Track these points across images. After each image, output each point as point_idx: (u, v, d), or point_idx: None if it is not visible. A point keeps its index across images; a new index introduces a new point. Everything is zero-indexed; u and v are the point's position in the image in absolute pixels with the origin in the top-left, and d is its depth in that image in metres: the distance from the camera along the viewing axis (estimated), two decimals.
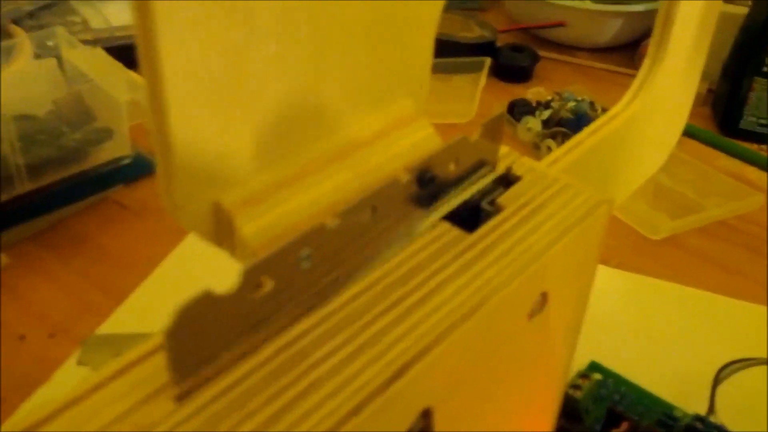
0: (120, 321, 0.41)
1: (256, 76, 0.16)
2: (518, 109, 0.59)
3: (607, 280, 0.46)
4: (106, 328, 0.40)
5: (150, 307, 0.42)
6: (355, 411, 0.16)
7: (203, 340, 0.16)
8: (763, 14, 0.59)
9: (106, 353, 0.31)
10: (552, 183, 0.23)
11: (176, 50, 0.14)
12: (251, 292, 0.16)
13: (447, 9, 0.21)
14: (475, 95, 0.62)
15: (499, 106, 0.60)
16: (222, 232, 0.18)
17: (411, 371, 0.17)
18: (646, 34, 0.73)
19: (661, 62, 0.34)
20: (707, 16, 0.36)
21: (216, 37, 0.15)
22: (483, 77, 0.64)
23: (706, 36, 0.38)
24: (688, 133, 0.57)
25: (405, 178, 0.19)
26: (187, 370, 0.16)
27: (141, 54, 0.15)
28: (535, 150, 0.56)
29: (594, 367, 0.37)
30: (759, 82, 0.60)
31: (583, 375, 0.35)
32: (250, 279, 0.16)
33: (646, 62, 0.35)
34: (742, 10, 0.62)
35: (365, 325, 0.18)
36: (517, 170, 0.23)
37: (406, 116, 0.20)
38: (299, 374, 0.16)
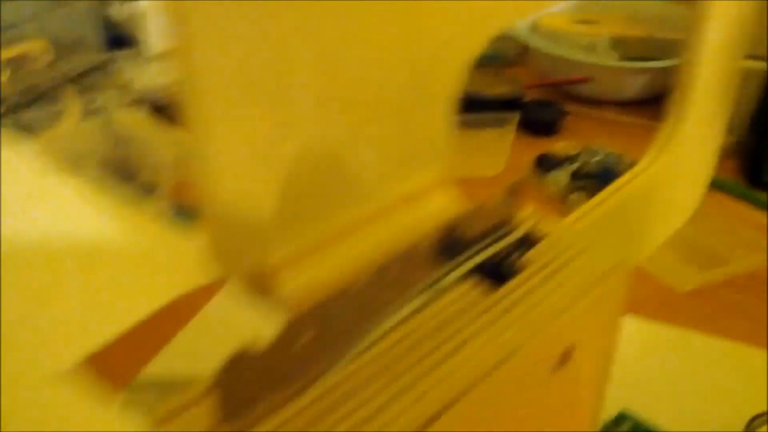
0: (164, 364, 0.42)
1: (297, 143, 0.18)
2: (546, 163, 0.61)
3: (636, 330, 0.46)
4: (150, 371, 0.41)
5: (193, 351, 0.43)
6: None
7: (247, 388, 0.17)
8: None
9: (152, 396, 0.32)
10: (575, 241, 0.24)
11: (224, 117, 0.16)
12: (290, 344, 0.18)
13: (474, 65, 0.22)
14: (503, 149, 0.64)
15: (526, 166, 0.62)
16: (261, 287, 0.19)
17: (439, 421, 0.18)
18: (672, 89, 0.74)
19: (684, 119, 0.36)
20: (728, 71, 0.37)
21: (260, 107, 0.17)
22: (511, 132, 0.66)
23: (729, 91, 0.38)
24: (716, 185, 0.57)
25: (433, 237, 0.20)
26: (233, 415, 0.17)
27: (190, 124, 0.16)
28: (563, 203, 0.57)
29: (623, 417, 0.38)
30: None
31: (612, 425, 0.35)
32: (290, 331, 0.18)
33: (669, 119, 0.36)
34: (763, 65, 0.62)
35: (395, 377, 0.19)
36: (541, 230, 0.25)
37: (431, 181, 0.22)
38: (336, 420, 0.18)
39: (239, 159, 0.17)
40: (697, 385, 0.42)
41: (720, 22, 0.33)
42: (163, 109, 0.54)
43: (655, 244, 0.38)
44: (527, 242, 0.24)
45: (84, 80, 0.61)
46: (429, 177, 0.22)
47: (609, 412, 0.38)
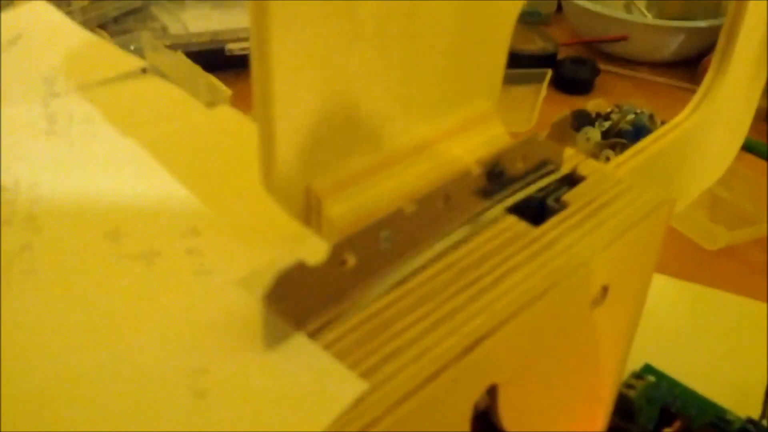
0: None
1: (354, 73, 0.18)
2: (578, 120, 0.60)
3: (664, 288, 0.47)
4: None
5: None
6: (432, 377, 0.17)
7: (294, 306, 0.18)
8: None
9: None
10: (616, 183, 0.24)
11: (287, 49, 0.16)
12: (337, 267, 0.18)
13: None
14: (535, 105, 0.63)
15: (562, 114, 0.61)
16: (311, 212, 0.20)
17: (482, 346, 0.18)
18: (708, 50, 0.73)
19: (724, 75, 0.35)
20: None
21: (324, 39, 0.17)
22: (544, 88, 0.65)
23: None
24: (747, 146, 0.57)
25: (476, 171, 0.21)
26: (279, 334, 0.18)
27: (254, 49, 0.16)
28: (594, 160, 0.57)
29: (648, 369, 0.38)
30: None
31: (638, 376, 0.36)
32: (336, 254, 0.18)
33: (710, 74, 0.36)
34: None
35: (441, 302, 0.19)
36: (582, 171, 0.25)
37: (480, 115, 0.22)
38: (381, 342, 0.18)
39: (302, 78, 0.17)
40: (722, 341, 0.43)
41: None
42: (198, 55, 0.54)
43: (690, 198, 0.38)
44: (569, 181, 0.24)
45: (119, 24, 0.62)
46: (479, 109, 0.22)
47: (635, 364, 0.39)
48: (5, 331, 0.17)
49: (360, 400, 0.17)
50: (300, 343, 0.18)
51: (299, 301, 0.18)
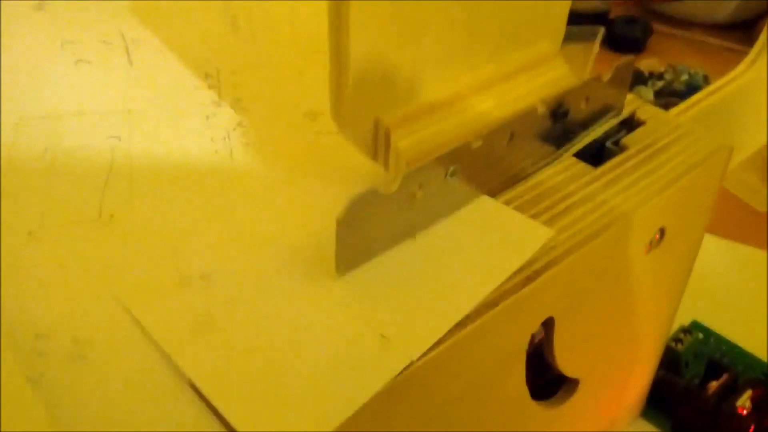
0: None
1: (425, 10, 0.19)
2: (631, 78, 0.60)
3: (714, 248, 0.46)
4: None
5: None
6: (492, 305, 0.18)
7: (364, 234, 0.18)
8: None
9: None
10: (675, 128, 0.24)
11: None
12: (407, 199, 0.19)
13: None
14: (586, 63, 0.63)
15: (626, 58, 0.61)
16: (379, 145, 0.20)
17: (541, 278, 0.19)
18: (765, 13, 0.71)
19: None
20: None
21: None
22: (596, 46, 0.65)
23: None
24: None
25: (541, 109, 0.21)
26: (350, 260, 0.18)
27: None
28: None
29: (697, 326, 0.38)
30: None
31: (686, 331, 0.36)
32: (406, 185, 0.18)
33: (766, 31, 0.35)
34: None
35: None
36: (641, 116, 0.25)
37: (545, 55, 0.22)
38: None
39: (373, 12, 0.18)
40: None
41: None
42: None
43: (743, 154, 0.38)
44: (628, 125, 0.25)
45: None
46: (543, 50, 0.22)
47: (684, 321, 0.39)
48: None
49: None
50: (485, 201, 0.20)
51: (372, 229, 0.18)
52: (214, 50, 0.27)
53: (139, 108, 0.24)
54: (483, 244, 0.19)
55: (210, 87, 0.25)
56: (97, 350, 0.17)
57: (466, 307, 0.18)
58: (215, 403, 0.15)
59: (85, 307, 0.18)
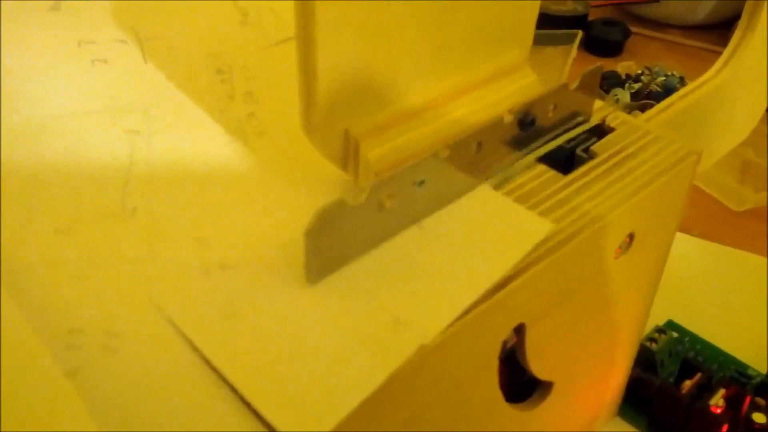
0: None
1: (389, 22, 0.19)
2: (607, 82, 0.60)
3: (688, 247, 0.47)
4: None
5: None
6: (464, 313, 0.18)
7: (334, 244, 0.19)
8: None
9: None
10: (644, 134, 0.25)
11: None
12: (375, 209, 0.19)
13: None
14: (565, 67, 0.63)
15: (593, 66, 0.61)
16: (349, 156, 0.20)
17: (511, 285, 0.19)
18: (740, 14, 0.72)
19: (753, 33, 0.36)
20: None
21: None
22: (574, 49, 0.65)
23: None
24: None
25: (508, 117, 0.21)
26: (319, 270, 0.19)
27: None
28: None
29: (671, 325, 0.39)
30: None
31: (661, 330, 0.37)
32: (374, 195, 0.19)
33: (737, 33, 0.36)
34: None
35: None
36: (611, 122, 0.25)
37: (514, 63, 0.23)
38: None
39: (342, 24, 0.18)
40: (745, 301, 0.43)
41: None
42: None
43: (716, 156, 0.39)
44: (598, 132, 0.25)
45: None
46: (512, 59, 0.23)
47: (658, 320, 0.39)
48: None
49: None
50: (486, 192, 0.21)
51: (341, 238, 0.19)
52: (225, 45, 0.28)
53: (155, 104, 0.25)
54: (485, 234, 0.20)
55: (222, 81, 0.26)
56: (130, 343, 0.17)
57: (474, 293, 0.18)
58: (237, 386, 0.16)
59: (115, 301, 0.18)
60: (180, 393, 0.16)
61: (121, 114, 0.24)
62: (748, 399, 0.32)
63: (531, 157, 0.23)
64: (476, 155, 0.21)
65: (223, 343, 0.17)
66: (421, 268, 0.19)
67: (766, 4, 0.35)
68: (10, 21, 0.27)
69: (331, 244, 0.18)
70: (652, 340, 0.36)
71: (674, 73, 0.60)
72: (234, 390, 0.16)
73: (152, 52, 0.27)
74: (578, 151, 0.24)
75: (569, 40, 0.66)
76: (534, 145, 0.23)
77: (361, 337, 0.17)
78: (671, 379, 0.35)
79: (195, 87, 0.25)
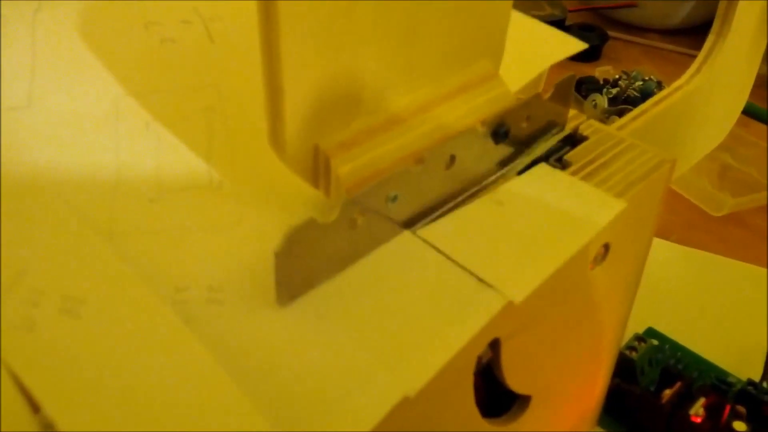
0: None
1: (356, 35, 0.19)
2: (585, 87, 0.60)
3: (667, 253, 0.47)
4: None
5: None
6: None
7: (306, 265, 0.18)
8: None
9: None
10: (618, 143, 0.25)
11: (293, 12, 0.17)
12: (347, 227, 0.19)
13: None
14: (541, 75, 0.63)
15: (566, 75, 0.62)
16: (320, 172, 0.20)
17: None
18: None
19: (725, 38, 0.36)
20: None
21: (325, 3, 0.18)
22: None
23: None
24: (749, 112, 0.57)
25: (481, 129, 0.21)
26: (291, 291, 0.18)
27: (261, 10, 0.17)
28: None
29: (651, 333, 0.39)
30: None
31: (640, 338, 0.36)
32: (346, 213, 0.18)
33: (710, 38, 0.36)
34: None
35: None
36: (584, 131, 0.25)
37: (486, 75, 0.22)
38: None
39: (307, 38, 0.18)
40: (724, 306, 0.43)
41: None
42: None
43: (691, 161, 0.39)
44: (571, 141, 0.25)
45: None
46: (483, 69, 0.22)
47: (638, 328, 0.39)
48: None
49: None
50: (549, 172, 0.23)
51: (314, 256, 0.18)
52: None
53: (226, 80, 0.25)
54: (557, 209, 0.22)
55: None
56: (230, 294, 0.19)
57: (558, 258, 0.20)
58: None
59: (213, 261, 0.20)
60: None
61: (195, 91, 0.24)
62: (728, 408, 0.32)
63: (505, 171, 0.23)
64: (450, 167, 0.21)
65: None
66: (498, 237, 0.21)
67: (738, 7, 0.35)
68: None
69: (303, 263, 0.18)
70: (631, 348, 0.36)
71: (652, 77, 0.61)
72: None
73: (217, 31, 0.26)
74: (551, 160, 0.24)
75: None
76: (509, 158, 0.23)
77: (445, 297, 0.19)
78: (652, 388, 0.35)
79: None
